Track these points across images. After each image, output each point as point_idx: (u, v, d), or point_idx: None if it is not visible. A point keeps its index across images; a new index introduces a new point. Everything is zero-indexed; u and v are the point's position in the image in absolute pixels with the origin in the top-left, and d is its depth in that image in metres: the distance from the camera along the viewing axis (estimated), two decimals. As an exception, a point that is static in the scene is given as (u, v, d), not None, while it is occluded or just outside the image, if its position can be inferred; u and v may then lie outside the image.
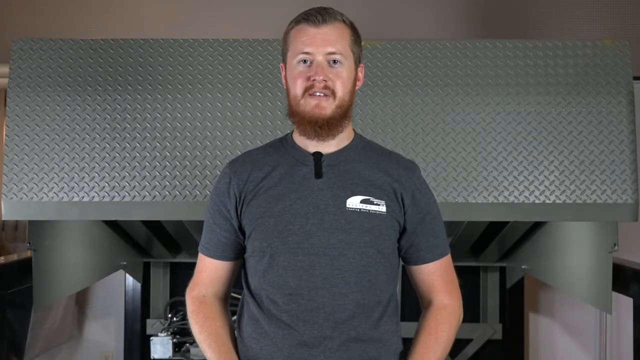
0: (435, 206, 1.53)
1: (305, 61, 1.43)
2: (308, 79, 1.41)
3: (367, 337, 1.42)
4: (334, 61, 1.42)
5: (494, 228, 2.68)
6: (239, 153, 1.76)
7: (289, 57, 1.46)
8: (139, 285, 3.28)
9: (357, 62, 1.49)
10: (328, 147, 1.48)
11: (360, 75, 1.51)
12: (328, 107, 1.42)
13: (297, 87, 1.43)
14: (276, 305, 1.42)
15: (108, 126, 2.15)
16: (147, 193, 2.13)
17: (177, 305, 3.10)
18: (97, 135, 2.15)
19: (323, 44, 1.41)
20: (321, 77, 1.40)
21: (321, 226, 1.41)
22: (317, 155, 1.47)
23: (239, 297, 1.55)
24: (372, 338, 1.43)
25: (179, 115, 2.16)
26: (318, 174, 1.45)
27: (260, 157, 1.53)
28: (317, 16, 1.43)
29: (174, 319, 3.04)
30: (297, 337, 1.40)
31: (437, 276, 1.50)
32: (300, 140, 1.49)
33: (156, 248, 3.02)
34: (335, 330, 1.40)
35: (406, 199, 1.47)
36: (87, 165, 2.13)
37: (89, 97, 2.17)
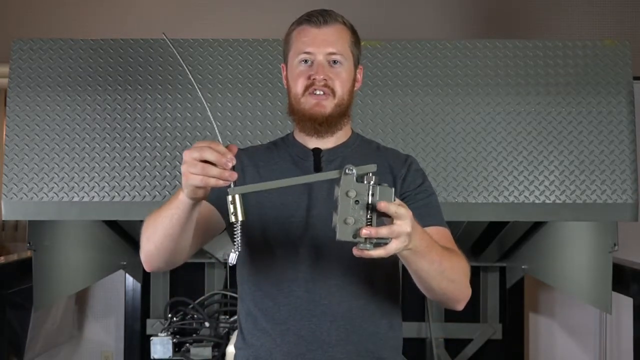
0: (430, 191, 1.51)
1: (306, 61, 1.46)
2: (309, 77, 1.45)
3: (364, 331, 1.42)
4: (334, 61, 1.46)
5: (494, 228, 2.68)
6: (239, 153, 1.76)
7: (290, 56, 1.49)
8: (139, 285, 3.29)
9: (356, 63, 1.52)
10: (327, 143, 1.51)
11: (359, 76, 1.55)
12: (328, 105, 1.45)
13: (298, 86, 1.46)
14: (273, 300, 1.43)
15: (108, 126, 2.15)
16: (147, 193, 2.13)
17: (177, 305, 3.10)
18: (97, 135, 2.15)
19: (324, 44, 1.44)
20: (322, 76, 1.44)
21: (319, 219, 1.42)
22: (317, 150, 1.50)
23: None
24: (370, 332, 1.43)
25: (179, 115, 2.16)
26: (317, 168, 1.48)
27: (261, 151, 1.57)
28: (318, 17, 1.46)
29: (174, 319, 3.04)
30: (295, 332, 1.40)
31: (439, 237, 1.39)
32: (300, 137, 1.53)
33: (156, 248, 3.01)
34: (333, 324, 1.40)
35: (399, 182, 1.48)
36: (87, 165, 2.13)
37: (89, 97, 2.17)
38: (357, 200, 1.11)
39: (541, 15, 3.65)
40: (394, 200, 1.12)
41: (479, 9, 3.68)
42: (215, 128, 1.29)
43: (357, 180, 1.12)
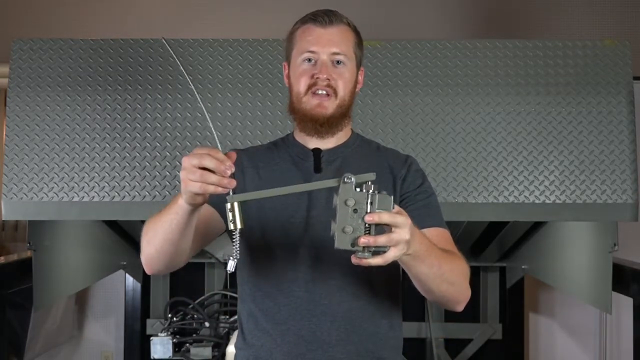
0: (430, 192, 1.50)
1: (310, 60, 1.46)
2: (312, 76, 1.45)
3: (364, 331, 1.42)
4: (338, 61, 1.46)
5: (494, 228, 2.68)
6: (239, 153, 1.76)
7: (293, 55, 1.49)
8: (139, 285, 3.28)
9: (359, 65, 1.52)
10: (327, 143, 1.51)
11: (360, 78, 1.55)
12: (329, 106, 1.45)
13: (301, 85, 1.46)
14: (273, 300, 1.43)
15: (108, 126, 2.15)
16: (147, 193, 2.13)
17: (177, 305, 3.10)
18: (97, 135, 2.15)
19: (328, 44, 1.45)
20: (325, 76, 1.44)
21: (319, 220, 1.42)
22: (317, 150, 1.50)
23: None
24: (370, 332, 1.43)
25: (179, 115, 2.16)
26: (317, 169, 1.48)
27: (261, 152, 1.56)
28: (324, 17, 1.46)
29: (174, 319, 3.04)
30: (295, 332, 1.40)
31: (439, 238, 1.39)
32: (301, 137, 1.53)
33: (156, 248, 3.01)
34: (333, 324, 1.40)
35: (399, 182, 1.48)
36: (87, 165, 2.13)
37: (89, 97, 2.17)
38: (355, 209, 1.11)
39: (541, 15, 3.65)
40: (393, 208, 1.12)
41: (479, 9, 3.68)
42: (215, 135, 1.29)
43: (355, 189, 1.11)
